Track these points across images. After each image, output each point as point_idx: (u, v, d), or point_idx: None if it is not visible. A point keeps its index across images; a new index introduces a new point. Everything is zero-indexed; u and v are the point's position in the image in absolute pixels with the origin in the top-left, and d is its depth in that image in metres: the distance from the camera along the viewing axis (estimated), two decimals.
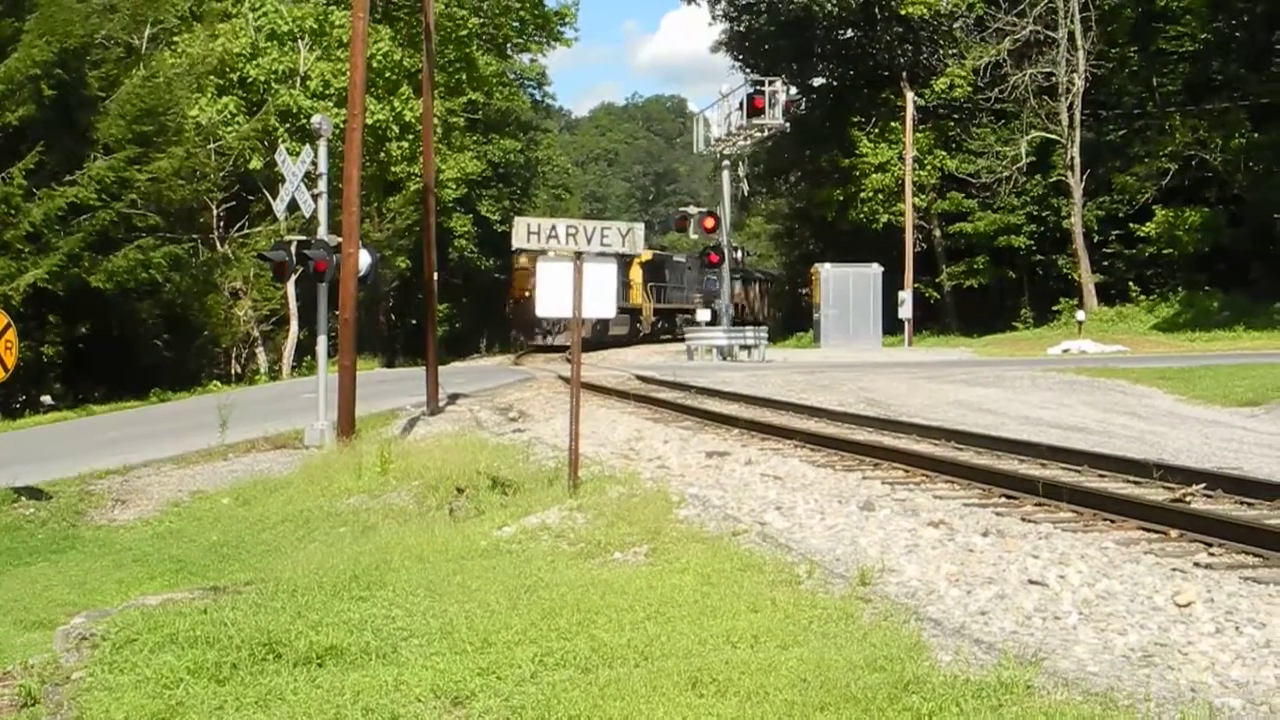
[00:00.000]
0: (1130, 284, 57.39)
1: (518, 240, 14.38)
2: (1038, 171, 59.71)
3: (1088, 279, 57.37)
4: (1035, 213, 61.36)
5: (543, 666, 7.49)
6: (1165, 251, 56.07)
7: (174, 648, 7.92)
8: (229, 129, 48.86)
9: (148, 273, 37.69)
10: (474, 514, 14.15)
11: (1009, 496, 13.24)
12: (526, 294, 49.83)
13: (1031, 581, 9.36)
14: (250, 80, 52.10)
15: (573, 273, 13.96)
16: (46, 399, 38.67)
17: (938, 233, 65.73)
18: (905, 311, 56.43)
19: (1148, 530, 11.30)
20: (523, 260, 52.61)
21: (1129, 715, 6.46)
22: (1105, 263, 59.54)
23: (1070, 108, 57.16)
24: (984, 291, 64.62)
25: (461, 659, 7.63)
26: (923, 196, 63.43)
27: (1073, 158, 57.09)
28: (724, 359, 45.66)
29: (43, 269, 33.95)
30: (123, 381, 37.63)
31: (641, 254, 42.67)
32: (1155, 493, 13.25)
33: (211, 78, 49.88)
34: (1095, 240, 59.01)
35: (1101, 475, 14.68)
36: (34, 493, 19.55)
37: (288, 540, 15.54)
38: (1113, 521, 11.74)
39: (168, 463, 22.09)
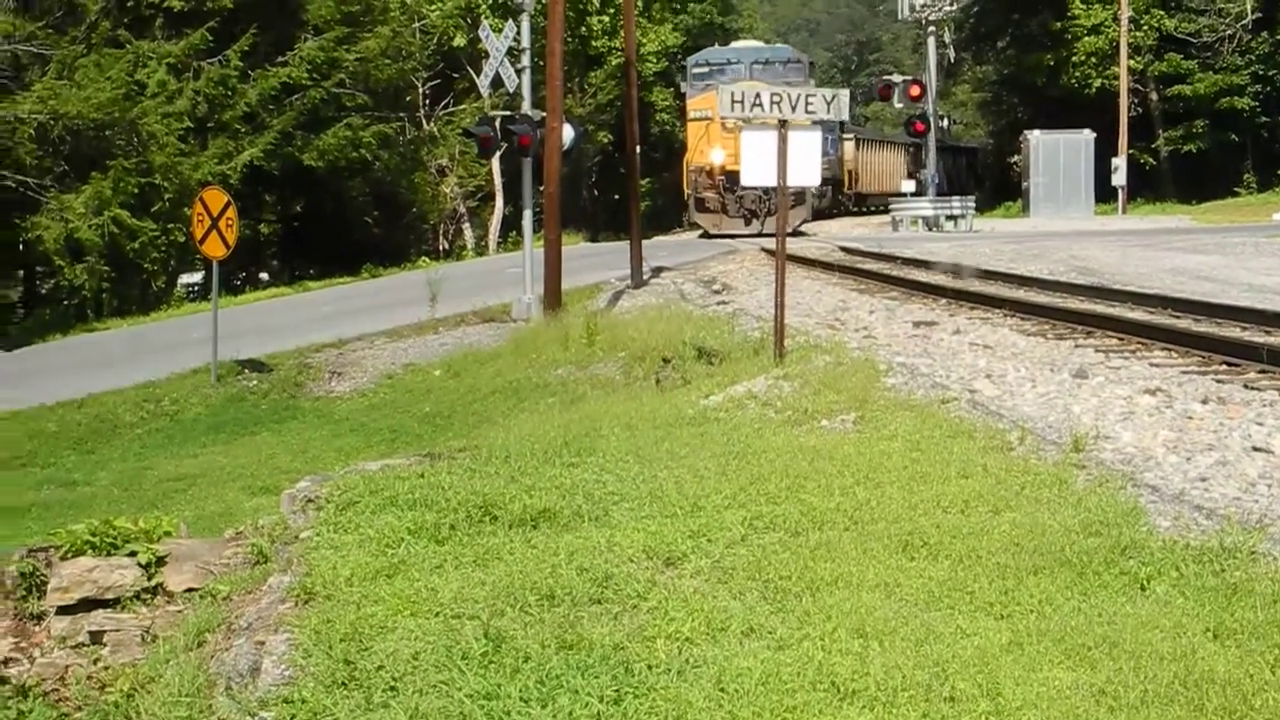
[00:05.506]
0: None
1: (723, 109, 14.27)
2: (1264, 28, 56.92)
3: None
4: (1261, 72, 58.54)
5: (752, 530, 7.51)
6: None
7: (394, 510, 8.14)
8: (433, 7, 49.36)
9: (357, 151, 38.58)
10: (680, 383, 14.25)
11: (1230, 364, 12.80)
12: (712, 161, 43.57)
13: (1255, 449, 9.07)
14: None
15: (777, 141, 13.81)
16: (264, 275, 40.02)
17: (1154, 96, 63.25)
18: (1119, 179, 54.60)
19: None
20: (697, 111, 44.62)
21: None
22: None
23: None
24: (1203, 157, 62.02)
25: (672, 522, 7.70)
26: (1138, 59, 60.92)
27: None
28: (930, 230, 44.93)
29: (258, 147, 35.07)
30: (335, 258, 38.68)
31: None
32: None
33: None
34: None
35: None
36: (256, 365, 20.30)
37: (498, 410, 15.88)
38: None
39: (380, 336, 22.70)
